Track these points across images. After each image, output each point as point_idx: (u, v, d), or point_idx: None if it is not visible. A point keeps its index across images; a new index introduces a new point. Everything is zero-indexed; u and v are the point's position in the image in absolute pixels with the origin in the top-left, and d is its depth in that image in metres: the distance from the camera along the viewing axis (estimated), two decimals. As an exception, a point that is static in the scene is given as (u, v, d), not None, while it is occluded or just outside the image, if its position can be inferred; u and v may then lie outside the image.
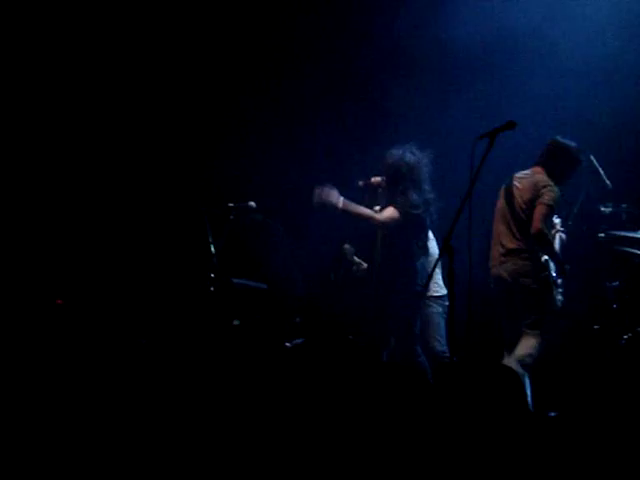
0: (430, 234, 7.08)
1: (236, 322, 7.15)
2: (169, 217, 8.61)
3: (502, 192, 6.63)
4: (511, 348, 6.46)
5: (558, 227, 6.82)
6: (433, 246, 7.11)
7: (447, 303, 7.00)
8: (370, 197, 6.80)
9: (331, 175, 6.97)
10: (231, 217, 7.10)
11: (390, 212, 6.44)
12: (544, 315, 6.40)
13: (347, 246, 7.17)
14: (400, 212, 6.40)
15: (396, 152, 6.58)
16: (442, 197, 6.59)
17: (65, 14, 8.44)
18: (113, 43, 8.61)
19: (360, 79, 8.67)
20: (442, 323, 7.06)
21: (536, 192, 6.35)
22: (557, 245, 6.70)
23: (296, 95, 8.68)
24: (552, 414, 6.02)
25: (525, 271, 6.39)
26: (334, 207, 6.37)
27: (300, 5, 8.66)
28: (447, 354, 6.85)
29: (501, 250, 6.50)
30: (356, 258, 7.14)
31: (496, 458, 4.87)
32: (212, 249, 7.04)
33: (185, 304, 7.93)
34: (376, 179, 6.73)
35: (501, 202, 6.61)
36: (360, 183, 6.83)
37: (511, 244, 6.45)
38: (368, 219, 6.44)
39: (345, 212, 6.39)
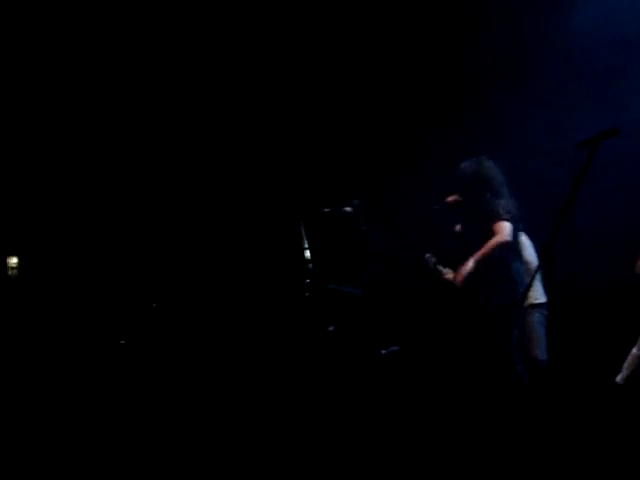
0: (527, 241, 6.94)
1: (331, 328, 7.14)
2: (265, 223, 8.68)
3: None
4: None
5: None
6: (531, 253, 6.97)
7: (547, 312, 6.86)
8: (451, 217, 6.73)
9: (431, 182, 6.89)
10: (327, 223, 7.10)
11: (503, 226, 6.27)
12: None
13: (428, 255, 7.09)
14: (507, 220, 6.24)
15: (469, 165, 6.49)
16: (543, 204, 6.41)
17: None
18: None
19: (468, 87, 8.49)
20: (542, 331, 6.92)
21: None
22: None
23: (400, 98, 8.60)
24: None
25: None
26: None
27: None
28: (547, 363, 6.72)
29: None
30: (440, 267, 7.05)
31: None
32: (307, 255, 7.04)
33: (280, 310, 7.97)
34: (451, 198, 6.61)
35: None
36: (436, 207, 6.74)
37: None
38: (495, 249, 6.26)
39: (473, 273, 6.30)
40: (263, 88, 8.81)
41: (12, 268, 8.76)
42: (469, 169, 6.48)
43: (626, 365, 6.15)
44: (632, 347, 6.19)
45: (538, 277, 6.78)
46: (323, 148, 8.66)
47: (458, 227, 6.84)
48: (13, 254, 8.82)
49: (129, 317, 8.05)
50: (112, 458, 5.19)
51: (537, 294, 6.96)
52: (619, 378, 6.17)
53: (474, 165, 6.48)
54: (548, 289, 5.30)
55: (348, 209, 7.12)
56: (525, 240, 6.89)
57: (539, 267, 5.46)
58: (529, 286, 6.06)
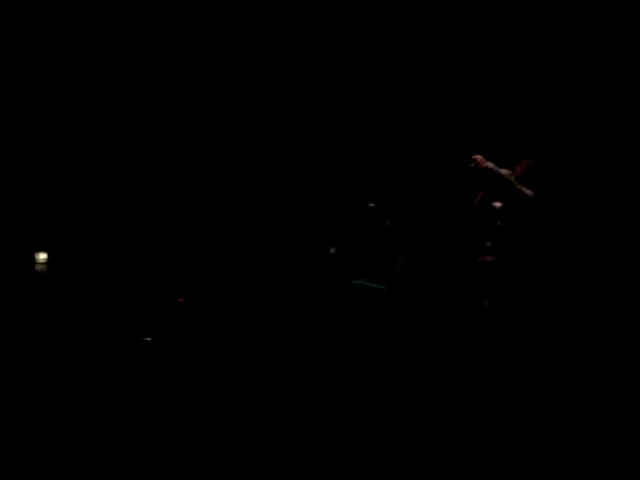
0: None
1: (355, 323, 7.18)
2: (290, 219, 8.72)
3: None
4: None
5: None
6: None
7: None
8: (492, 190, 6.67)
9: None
10: (351, 218, 7.13)
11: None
12: None
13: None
14: (533, 198, 6.21)
15: (535, 160, 6.47)
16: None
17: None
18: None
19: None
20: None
21: None
22: None
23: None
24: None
25: None
26: None
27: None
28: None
29: None
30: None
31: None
32: (332, 250, 7.08)
33: (304, 305, 8.02)
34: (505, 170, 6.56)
35: None
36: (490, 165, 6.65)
37: None
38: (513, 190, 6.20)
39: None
40: (297, 86, 8.86)
41: (40, 264, 8.87)
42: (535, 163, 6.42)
43: None
44: None
45: None
46: (349, 145, 8.67)
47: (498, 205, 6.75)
48: (42, 250, 8.94)
49: (155, 313, 8.13)
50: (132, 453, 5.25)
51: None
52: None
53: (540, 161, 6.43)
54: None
55: (372, 205, 7.15)
56: None
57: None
58: None
